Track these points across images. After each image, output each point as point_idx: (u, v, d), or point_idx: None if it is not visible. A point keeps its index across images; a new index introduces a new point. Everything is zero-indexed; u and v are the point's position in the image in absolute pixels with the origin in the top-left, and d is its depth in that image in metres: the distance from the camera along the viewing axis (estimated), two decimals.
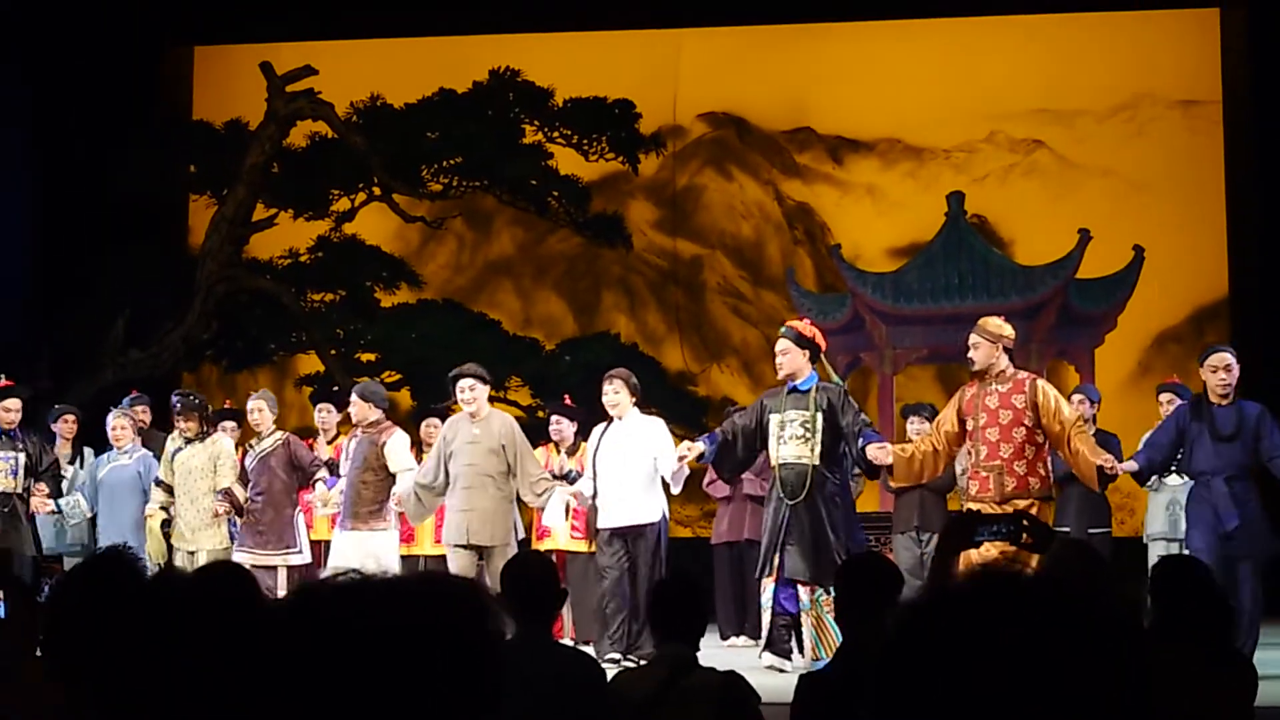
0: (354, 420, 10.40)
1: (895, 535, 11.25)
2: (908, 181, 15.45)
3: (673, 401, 14.17)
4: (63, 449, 11.40)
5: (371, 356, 15.77)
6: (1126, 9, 15.11)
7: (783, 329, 9.46)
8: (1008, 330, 8.81)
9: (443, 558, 11.17)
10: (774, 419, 9.24)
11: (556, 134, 15.82)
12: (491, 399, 15.23)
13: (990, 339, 8.72)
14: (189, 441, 10.51)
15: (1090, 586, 3.98)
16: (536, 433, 11.36)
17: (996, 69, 15.16)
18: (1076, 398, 10.71)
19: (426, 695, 1.59)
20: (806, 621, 8.95)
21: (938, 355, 14.60)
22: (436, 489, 9.91)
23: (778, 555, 9.01)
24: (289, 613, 1.64)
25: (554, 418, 11.25)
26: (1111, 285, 14.70)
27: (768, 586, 9.09)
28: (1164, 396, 10.84)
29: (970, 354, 8.76)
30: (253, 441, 10.68)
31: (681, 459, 9.44)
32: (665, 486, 9.82)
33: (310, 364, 15.88)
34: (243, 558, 9.85)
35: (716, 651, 9.60)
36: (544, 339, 15.66)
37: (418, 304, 15.77)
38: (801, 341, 9.31)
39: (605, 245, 15.71)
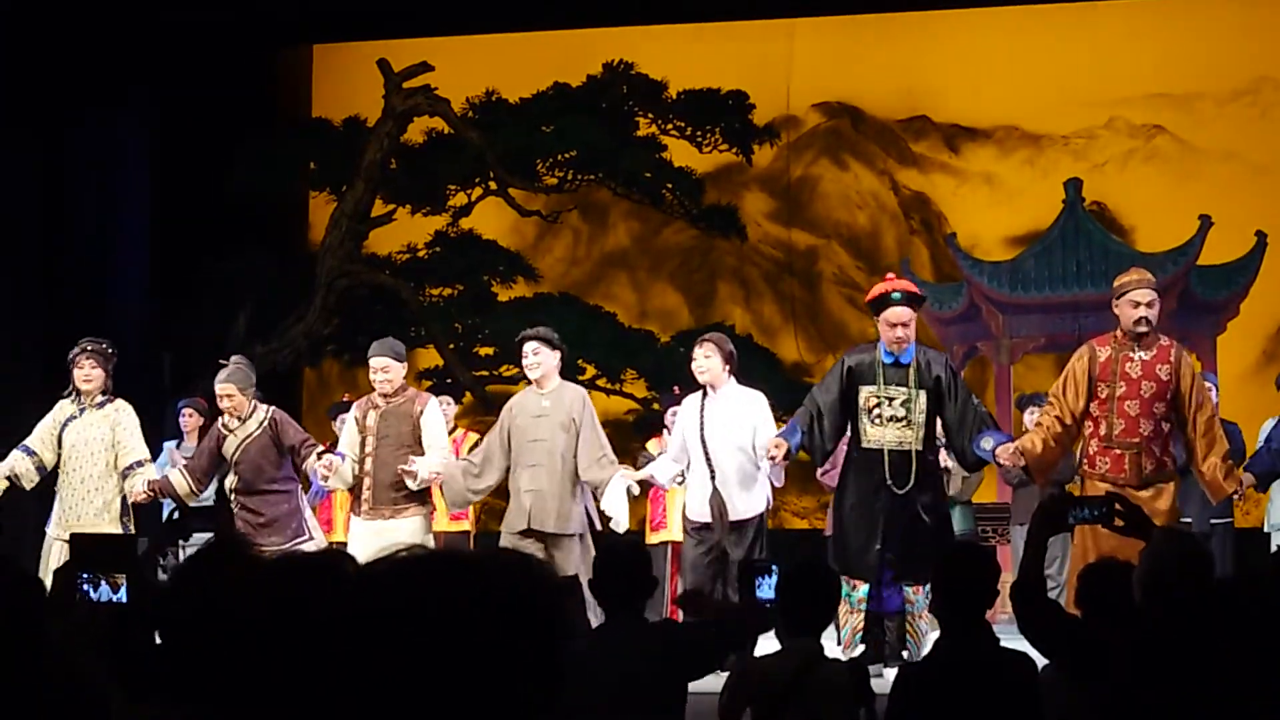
0: (379, 388, 9.01)
1: (1014, 526, 11.16)
2: (1025, 169, 15.31)
3: (788, 393, 14.11)
4: (189, 441, 11.57)
5: (490, 350, 15.87)
6: None
7: (895, 295, 8.07)
8: None
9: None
10: (865, 391, 8.02)
11: (670, 126, 15.83)
12: (608, 391, 15.55)
13: (1160, 293, 7.61)
14: (83, 410, 8.80)
15: (1191, 579, 3.90)
16: (653, 426, 11.47)
17: (1114, 54, 14.97)
18: None
19: (494, 664, 1.64)
20: (905, 622, 7.88)
21: (1055, 344, 14.44)
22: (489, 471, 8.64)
23: (882, 552, 7.89)
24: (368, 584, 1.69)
25: (670, 410, 10.82)
26: (1234, 271, 14.46)
27: (860, 586, 7.90)
28: None
29: (1146, 313, 7.71)
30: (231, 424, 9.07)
31: (772, 459, 8.02)
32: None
33: (429, 358, 16.01)
34: None
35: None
36: (659, 331, 15.69)
37: (534, 297, 15.83)
38: (915, 303, 8.11)
39: (720, 237, 15.71)
